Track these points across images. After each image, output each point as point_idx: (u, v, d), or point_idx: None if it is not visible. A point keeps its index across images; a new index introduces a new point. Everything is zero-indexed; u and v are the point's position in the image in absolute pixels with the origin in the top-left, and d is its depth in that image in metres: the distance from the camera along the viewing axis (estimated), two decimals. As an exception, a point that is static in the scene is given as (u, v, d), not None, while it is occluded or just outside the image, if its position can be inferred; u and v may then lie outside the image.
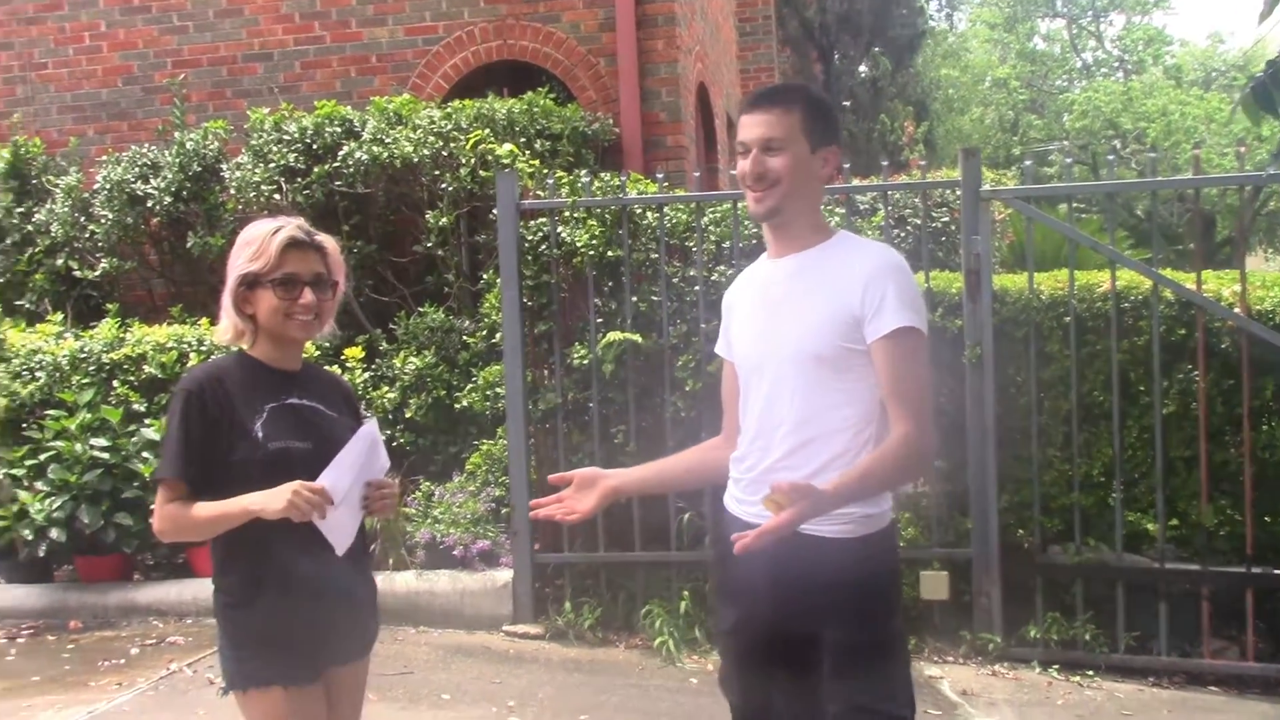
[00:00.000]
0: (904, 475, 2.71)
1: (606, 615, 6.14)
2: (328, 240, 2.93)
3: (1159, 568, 5.57)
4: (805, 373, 2.71)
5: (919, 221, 6.35)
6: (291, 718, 2.80)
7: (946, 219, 6.82)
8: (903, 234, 6.71)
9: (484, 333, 7.18)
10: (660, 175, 6.50)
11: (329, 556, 2.82)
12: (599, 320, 6.25)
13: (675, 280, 6.26)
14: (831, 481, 2.57)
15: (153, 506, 2.84)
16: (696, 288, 6.10)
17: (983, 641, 5.72)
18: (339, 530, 2.78)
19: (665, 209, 6.25)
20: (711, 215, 6.35)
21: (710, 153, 10.92)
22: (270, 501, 2.66)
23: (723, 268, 6.16)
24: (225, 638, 2.88)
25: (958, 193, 6.28)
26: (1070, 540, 5.71)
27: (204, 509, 2.74)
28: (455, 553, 6.32)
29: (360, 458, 2.81)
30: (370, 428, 2.87)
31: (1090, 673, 5.56)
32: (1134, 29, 35.40)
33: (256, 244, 2.83)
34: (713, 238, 6.28)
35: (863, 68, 15.11)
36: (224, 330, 2.90)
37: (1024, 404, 5.76)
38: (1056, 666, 5.61)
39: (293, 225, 2.87)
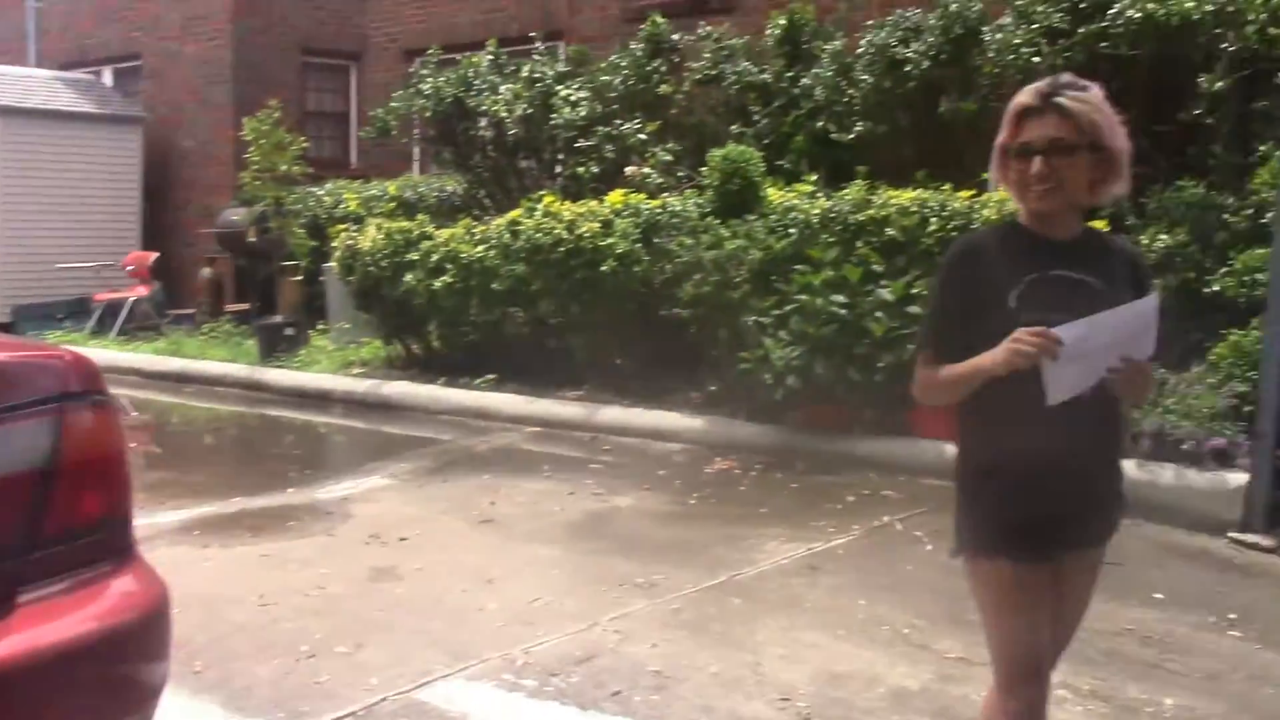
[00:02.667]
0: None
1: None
2: (1071, 100, 2.64)
3: None
4: None
5: None
6: (1015, 592, 2.72)
7: None
8: None
9: (1250, 211, 6.47)
10: None
11: (1075, 440, 2.66)
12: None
13: None
14: None
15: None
16: None
17: None
18: (1060, 382, 2.56)
19: None
20: None
21: None
22: (996, 354, 2.56)
23: None
24: (963, 501, 2.83)
25: None
26: None
27: (946, 371, 2.72)
28: (1184, 446, 5.81)
29: (1124, 325, 2.59)
30: (1148, 302, 2.63)
31: None
32: None
33: (1007, 114, 2.71)
34: None
35: None
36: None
37: None
38: None
39: (1031, 90, 2.67)
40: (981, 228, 2.92)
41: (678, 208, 8.32)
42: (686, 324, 7.84)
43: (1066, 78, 2.69)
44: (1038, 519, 2.68)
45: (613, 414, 8.02)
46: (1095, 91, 2.65)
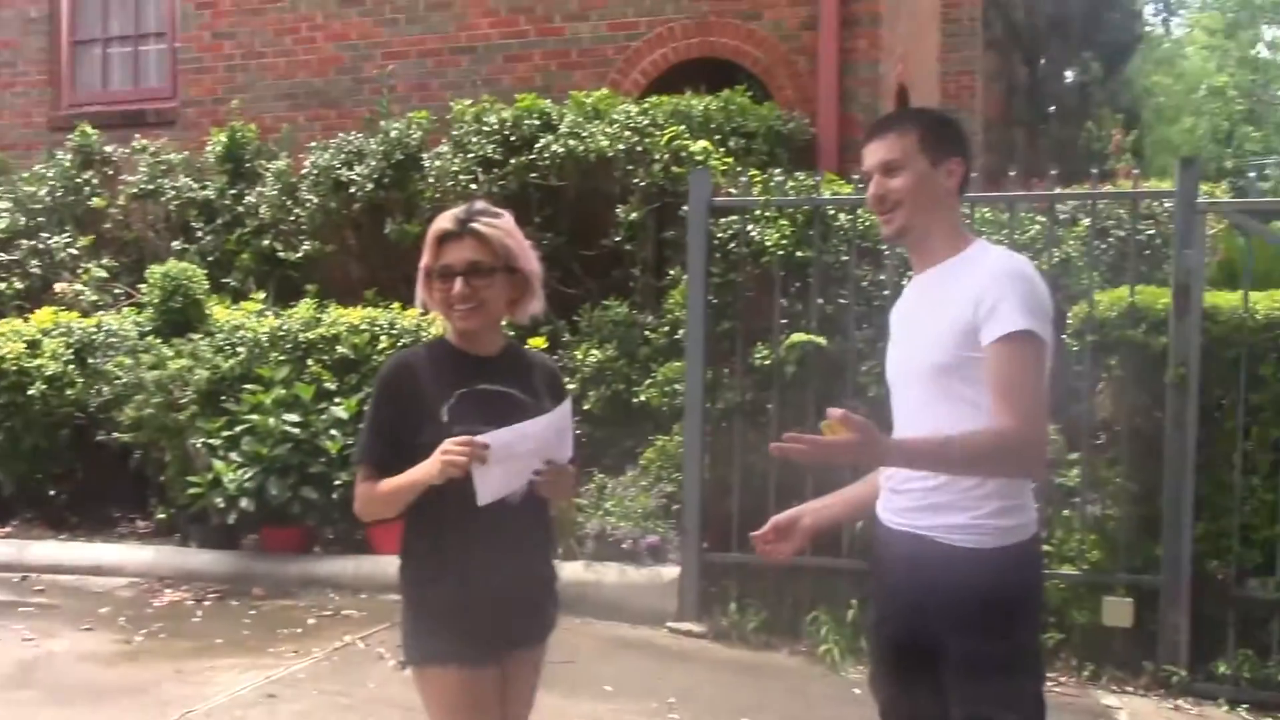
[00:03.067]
0: (994, 465, 2.59)
1: (771, 619, 6.06)
2: (485, 225, 2.87)
3: (1369, 611, 5.21)
4: (933, 384, 2.72)
5: (1123, 233, 6.08)
6: (464, 697, 2.83)
7: (1152, 232, 6.51)
8: (1105, 246, 6.43)
9: (666, 329, 7.17)
10: (855, 177, 6.38)
11: (503, 540, 2.84)
12: (783, 321, 6.18)
13: (864, 284, 6.14)
14: (911, 439, 2.64)
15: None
16: (885, 292, 5.96)
17: (1166, 674, 5.43)
18: (488, 485, 2.73)
19: (859, 211, 6.13)
20: (904, 219, 6.21)
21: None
22: (430, 466, 2.71)
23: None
24: (408, 613, 2.92)
25: (1166, 204, 6.00)
26: (1270, 575, 5.38)
27: (385, 485, 2.82)
28: (624, 546, 6.32)
29: (544, 431, 2.81)
30: (563, 409, 2.86)
31: (1285, 716, 5.24)
32: (1372, 39, 33.35)
33: (428, 238, 2.90)
34: (904, 242, 6.13)
35: (1070, 72, 14.59)
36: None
37: (1229, 428, 5.46)
38: (1246, 706, 5.30)
39: (448, 216, 2.89)
40: (416, 346, 3.09)
41: (115, 326, 7.95)
42: (130, 449, 7.47)
43: (481, 205, 2.94)
44: (480, 621, 2.82)
45: (46, 550, 7.42)
46: (508, 219, 2.94)
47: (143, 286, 8.24)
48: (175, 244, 9.07)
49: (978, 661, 2.63)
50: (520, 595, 2.93)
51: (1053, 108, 14.12)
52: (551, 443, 2.84)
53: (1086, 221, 6.23)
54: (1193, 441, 5.44)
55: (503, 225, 2.91)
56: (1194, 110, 28.51)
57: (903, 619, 2.79)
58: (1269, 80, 32.48)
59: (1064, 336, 5.62)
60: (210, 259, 8.91)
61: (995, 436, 2.56)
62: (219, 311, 7.97)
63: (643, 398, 7.00)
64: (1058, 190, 6.21)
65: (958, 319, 2.66)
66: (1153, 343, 5.57)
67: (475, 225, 2.87)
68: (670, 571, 6.24)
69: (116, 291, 8.96)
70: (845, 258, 6.13)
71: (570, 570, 6.32)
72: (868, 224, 6.17)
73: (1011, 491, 2.68)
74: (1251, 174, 5.90)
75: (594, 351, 7.29)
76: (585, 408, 7.20)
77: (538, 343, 7.28)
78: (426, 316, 7.31)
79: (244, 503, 6.79)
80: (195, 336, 7.69)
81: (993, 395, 2.60)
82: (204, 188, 9.23)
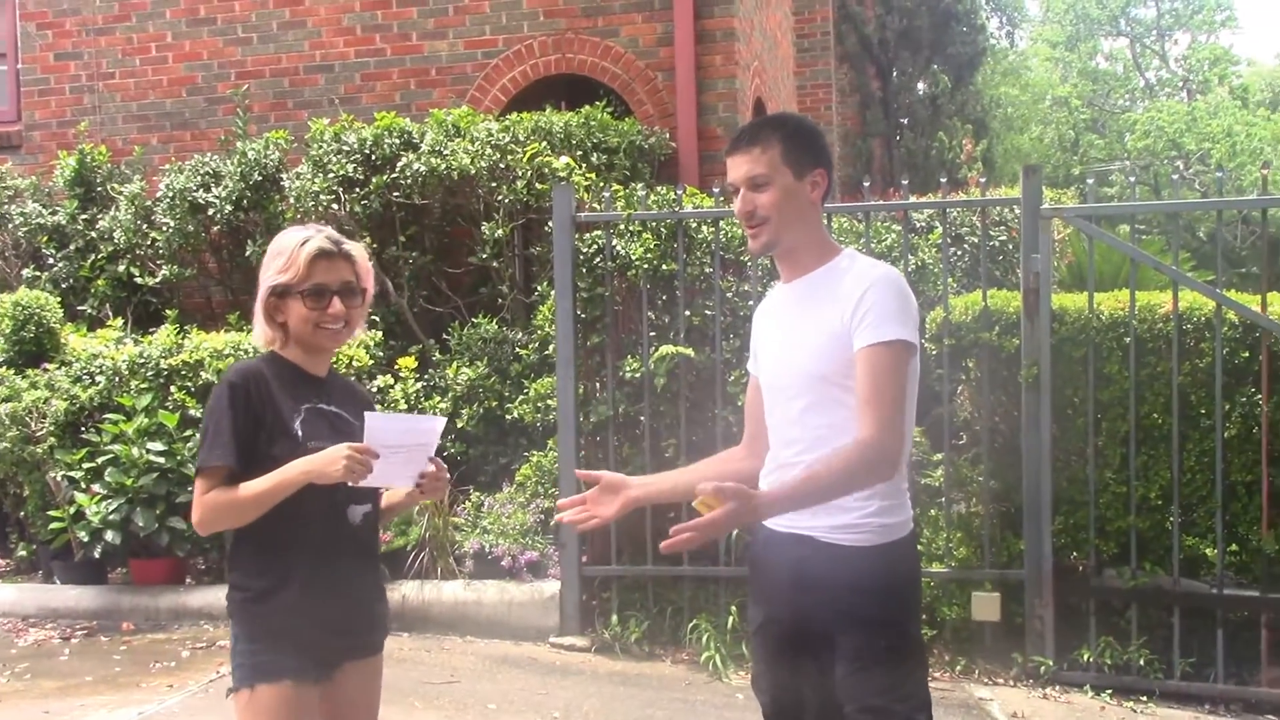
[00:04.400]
0: (856, 481, 2.69)
1: (653, 629, 6.12)
2: (355, 248, 2.99)
3: (1216, 594, 5.47)
4: (814, 392, 2.79)
5: (976, 240, 6.29)
6: (299, 712, 2.83)
7: (1004, 238, 6.76)
8: (959, 252, 6.65)
9: (536, 345, 7.20)
10: (716, 190, 6.50)
11: (345, 556, 2.90)
12: (652, 334, 6.25)
13: (730, 295, 6.25)
14: (771, 488, 2.70)
15: None
16: (750, 302, 6.08)
17: (1034, 664, 5.64)
18: (379, 474, 2.82)
19: (721, 223, 6.24)
20: (766, 230, 6.33)
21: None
22: (327, 466, 2.72)
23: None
24: (241, 632, 2.89)
25: (1016, 211, 6.23)
26: (1125, 564, 5.62)
27: (255, 484, 2.77)
28: (503, 563, 6.33)
29: (419, 440, 2.87)
30: (440, 421, 2.92)
31: (1144, 698, 5.47)
32: (1199, 48, 34.89)
33: (286, 255, 2.89)
34: (767, 252, 6.25)
35: (921, 85, 15.00)
36: (258, 337, 2.98)
37: (1081, 425, 5.69)
38: (1109, 691, 5.52)
39: (320, 236, 2.93)
40: (253, 358, 3.08)
41: (-37, 359, 7.68)
42: (-13, 485, 7.22)
43: (326, 227, 3.01)
44: (321, 635, 2.86)
45: (-104, 593, 7.11)
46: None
47: (-8, 317, 7.97)
48: (26, 272, 8.80)
49: (870, 655, 2.71)
50: (361, 606, 2.98)
51: (905, 119, 14.49)
52: (422, 445, 2.89)
53: (940, 229, 6.43)
54: (1048, 438, 5.66)
55: (362, 248, 3.03)
56: (1040, 120, 29.52)
57: (790, 619, 2.85)
58: (1109, 90, 33.84)
59: (923, 341, 5.80)
60: (64, 286, 8.67)
61: (855, 449, 2.65)
62: (75, 340, 7.75)
63: (516, 414, 7.01)
64: (911, 199, 6.40)
65: (834, 327, 2.75)
66: (1006, 344, 5.78)
67: (347, 246, 2.97)
68: (551, 586, 6.27)
69: (-36, 323, 8.64)
70: (709, 269, 6.23)
71: (450, 589, 6.32)
72: (730, 235, 6.29)
73: (891, 491, 2.78)
74: (1090, 180, 6.18)
75: (465, 370, 7.28)
76: (459, 426, 7.18)
77: (407, 363, 7.27)
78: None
79: (109, 535, 6.63)
80: (50, 367, 7.47)
81: (859, 402, 2.70)
82: (54, 213, 8.97)
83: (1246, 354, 5.50)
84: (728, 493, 2.47)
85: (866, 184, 6.73)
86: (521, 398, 7.02)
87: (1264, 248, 6.28)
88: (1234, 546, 5.58)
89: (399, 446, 2.81)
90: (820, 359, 2.77)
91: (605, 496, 2.98)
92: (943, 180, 6.38)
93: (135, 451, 6.75)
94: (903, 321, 2.72)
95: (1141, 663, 5.53)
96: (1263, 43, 59.42)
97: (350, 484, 2.76)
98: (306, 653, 2.84)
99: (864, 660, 2.72)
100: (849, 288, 2.77)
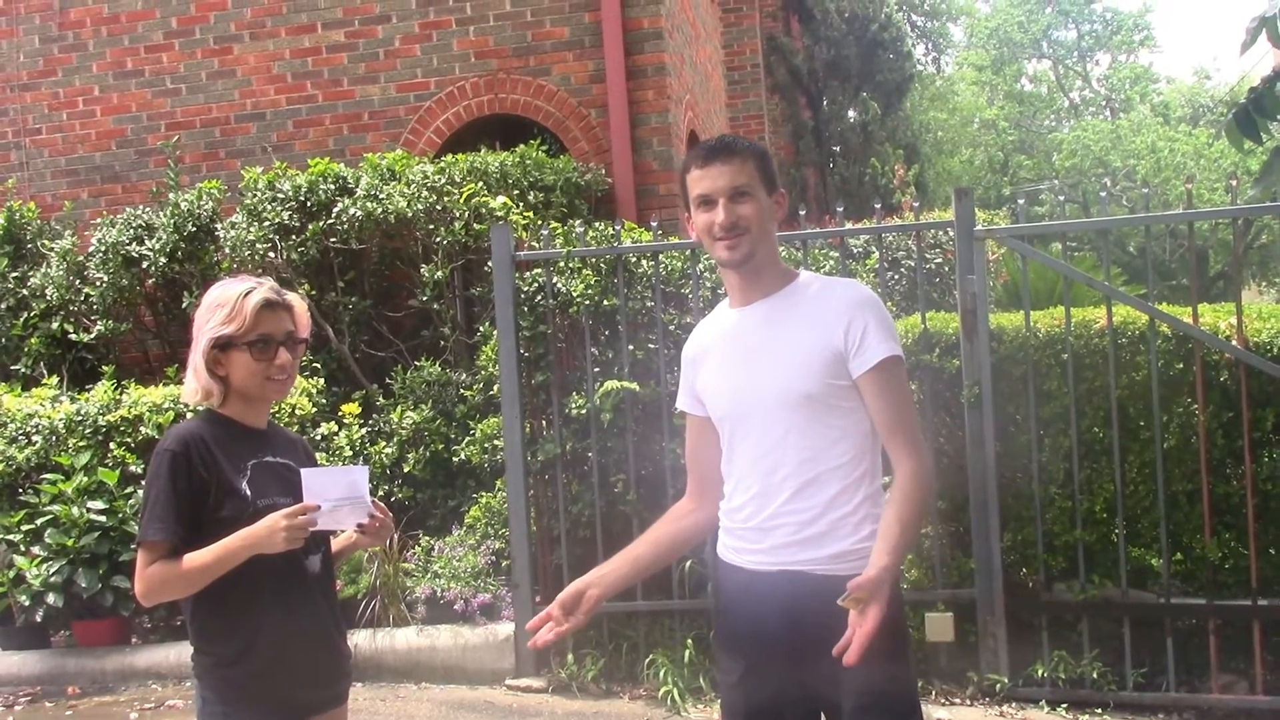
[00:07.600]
0: (927, 509, 2.73)
1: (610, 666, 6.09)
2: (295, 298, 2.98)
3: (1164, 603, 5.53)
4: (798, 413, 2.73)
5: (912, 263, 6.36)
6: None
7: (940, 260, 6.84)
8: (896, 276, 6.72)
9: (481, 385, 7.16)
10: (654, 223, 6.53)
11: (309, 607, 2.88)
12: (596, 369, 6.25)
13: (672, 328, 6.26)
14: (884, 551, 2.58)
15: None
16: (692, 334, 6.09)
17: (990, 682, 5.67)
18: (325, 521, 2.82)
19: (660, 256, 6.26)
20: (706, 261, 6.35)
21: (703, 200, 10.93)
22: (269, 537, 2.70)
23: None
24: (213, 696, 2.84)
25: (951, 233, 6.31)
26: (1075, 578, 5.67)
27: (198, 557, 2.72)
28: (456, 607, 6.27)
29: (355, 492, 2.83)
30: (364, 471, 2.90)
31: (1099, 710, 5.51)
32: (1120, 68, 35.67)
33: (229, 306, 2.85)
34: (708, 284, 6.28)
35: (851, 113, 15.18)
36: (191, 392, 2.91)
37: (1024, 442, 5.75)
38: (1065, 705, 5.56)
39: (265, 287, 2.91)
40: (190, 419, 3.03)
41: (-106, 423, 7.51)
42: (-80, 551, 7.05)
43: (271, 279, 2.99)
44: (292, 690, 2.84)
45: None
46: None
47: (-77, 380, 7.83)
48: (-44, 332, 8.65)
49: (881, 686, 2.64)
50: (329, 655, 2.96)
51: (838, 147, 14.65)
52: (358, 493, 2.85)
53: (877, 255, 6.48)
54: (992, 457, 5.71)
55: (299, 298, 3.03)
56: (970, 142, 29.97)
57: (779, 668, 2.75)
58: (1035, 111, 34.44)
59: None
60: (-3, 346, 8.53)
61: (913, 482, 2.66)
62: (9, 400, 7.60)
63: (463, 456, 6.97)
64: (848, 226, 6.45)
65: (825, 348, 2.72)
66: (947, 365, 5.83)
67: (289, 297, 2.96)
68: (505, 628, 6.22)
69: (-107, 386, 8.47)
70: (651, 303, 6.25)
71: (403, 636, 6.25)
72: (670, 269, 6.31)
73: (877, 513, 2.73)
74: (1021, 200, 6.29)
75: (410, 413, 7.23)
76: (405, 470, 7.13)
77: (351, 409, 7.21)
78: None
79: (51, 598, 6.50)
80: (-15, 429, 7.33)
81: (885, 433, 2.71)
82: (-18, 271, 8.83)
83: (1181, 365, 5.58)
84: (863, 586, 2.46)
85: (803, 212, 6.79)
86: (468, 439, 6.98)
87: (1192, 260, 6.41)
88: (1179, 555, 5.65)
89: (341, 499, 2.79)
90: (806, 377, 2.71)
91: (569, 614, 2.88)
92: (877, 206, 6.44)
93: (75, 511, 6.63)
94: (893, 336, 2.74)
95: (1095, 675, 5.57)
96: (1181, 60, 60.82)
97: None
98: (279, 711, 2.83)
99: (875, 693, 2.64)
100: (835, 308, 2.75)
